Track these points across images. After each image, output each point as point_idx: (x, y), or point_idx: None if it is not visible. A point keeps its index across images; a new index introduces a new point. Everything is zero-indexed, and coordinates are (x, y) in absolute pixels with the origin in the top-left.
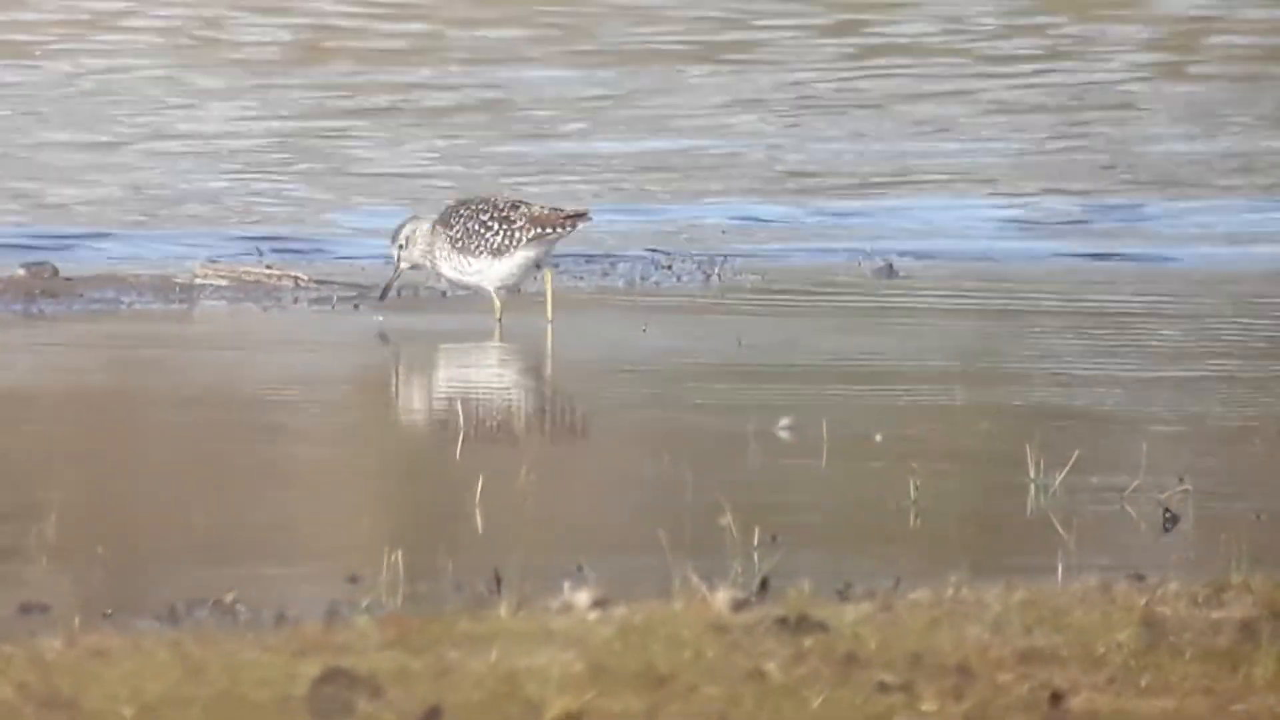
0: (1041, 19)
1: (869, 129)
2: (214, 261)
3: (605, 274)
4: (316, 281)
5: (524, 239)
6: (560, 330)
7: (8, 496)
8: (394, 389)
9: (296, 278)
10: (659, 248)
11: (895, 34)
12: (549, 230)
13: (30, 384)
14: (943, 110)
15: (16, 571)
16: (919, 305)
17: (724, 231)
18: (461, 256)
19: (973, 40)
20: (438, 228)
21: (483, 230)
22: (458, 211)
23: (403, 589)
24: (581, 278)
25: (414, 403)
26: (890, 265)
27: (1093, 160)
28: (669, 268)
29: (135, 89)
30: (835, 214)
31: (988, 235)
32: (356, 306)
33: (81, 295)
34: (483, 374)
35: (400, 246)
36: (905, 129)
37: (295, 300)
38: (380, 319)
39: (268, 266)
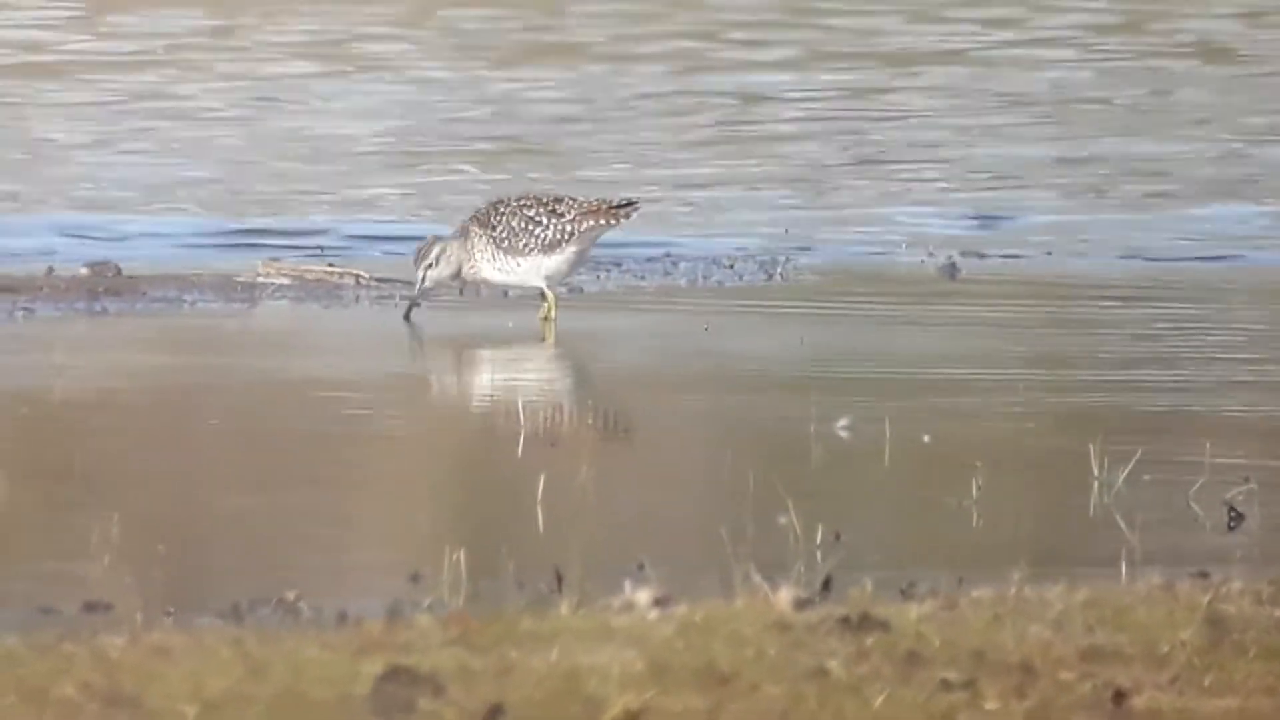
0: None
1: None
2: (276, 260)
3: (667, 273)
4: (378, 280)
5: (577, 231)
6: (621, 329)
7: (71, 495)
8: (455, 388)
9: (358, 276)
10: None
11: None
12: (602, 222)
13: (93, 383)
14: None
15: (80, 570)
16: (982, 304)
17: (786, 231)
18: (508, 256)
19: None
20: (474, 230)
21: (530, 226)
22: (496, 210)
23: (465, 587)
24: (643, 277)
25: (475, 401)
26: (953, 264)
27: None
28: (731, 267)
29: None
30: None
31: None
32: (418, 304)
33: (144, 294)
34: (543, 373)
35: (429, 266)
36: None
37: (357, 299)
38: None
39: (329, 265)
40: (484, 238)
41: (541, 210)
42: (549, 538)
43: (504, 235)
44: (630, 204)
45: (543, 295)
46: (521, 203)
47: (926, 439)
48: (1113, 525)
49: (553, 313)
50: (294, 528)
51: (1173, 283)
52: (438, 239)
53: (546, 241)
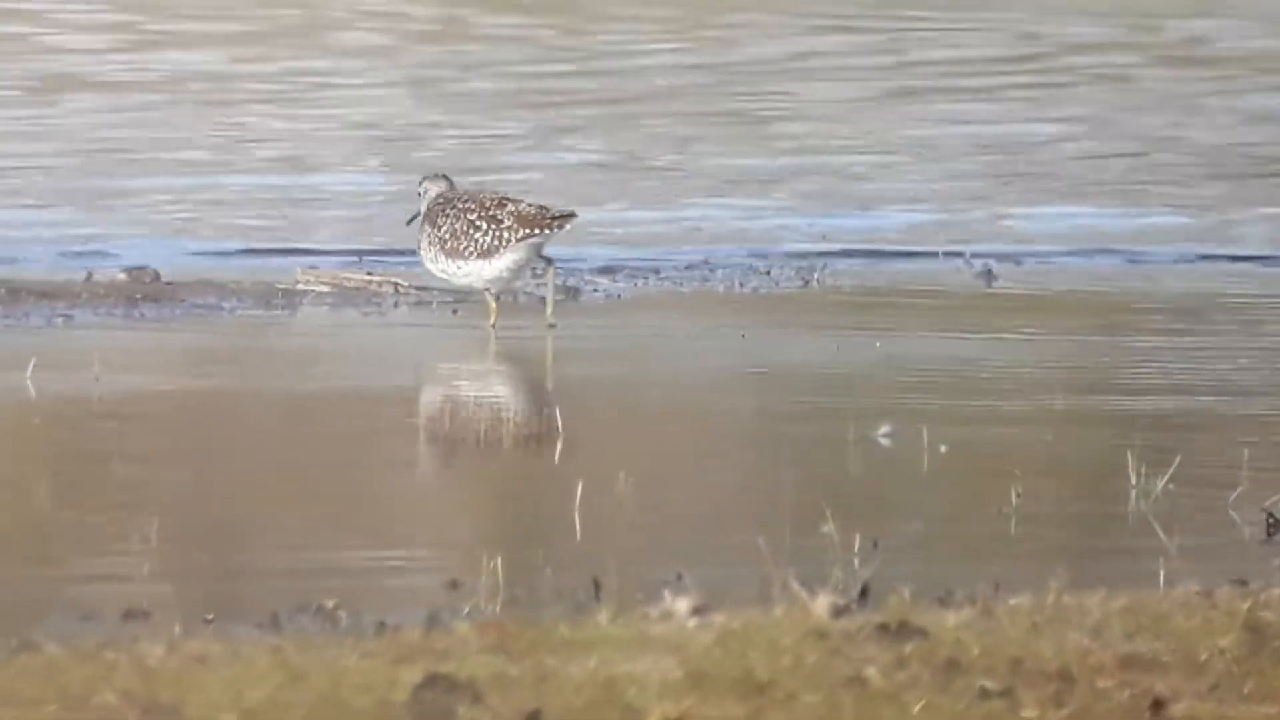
0: None
1: None
2: (315, 268)
3: (704, 279)
4: (416, 288)
5: (513, 240)
6: (658, 336)
7: (111, 502)
8: (492, 395)
9: (397, 283)
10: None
11: None
12: (536, 231)
13: (133, 390)
14: None
15: (120, 578)
16: (1019, 310)
17: (824, 236)
18: (449, 259)
19: None
20: (425, 226)
21: (470, 230)
22: (444, 211)
23: (503, 595)
24: (680, 283)
25: (512, 408)
26: (989, 271)
27: None
28: (768, 273)
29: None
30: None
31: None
32: (455, 311)
33: (183, 301)
34: (581, 380)
35: (418, 195)
36: None
37: (396, 306)
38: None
39: (368, 273)
40: (431, 236)
41: (482, 216)
42: (587, 546)
43: (446, 237)
44: (568, 215)
45: (487, 300)
46: (466, 205)
47: (943, 449)
48: (1151, 533)
49: (492, 320)
50: (332, 536)
51: (1213, 286)
52: (434, 177)
53: (484, 248)
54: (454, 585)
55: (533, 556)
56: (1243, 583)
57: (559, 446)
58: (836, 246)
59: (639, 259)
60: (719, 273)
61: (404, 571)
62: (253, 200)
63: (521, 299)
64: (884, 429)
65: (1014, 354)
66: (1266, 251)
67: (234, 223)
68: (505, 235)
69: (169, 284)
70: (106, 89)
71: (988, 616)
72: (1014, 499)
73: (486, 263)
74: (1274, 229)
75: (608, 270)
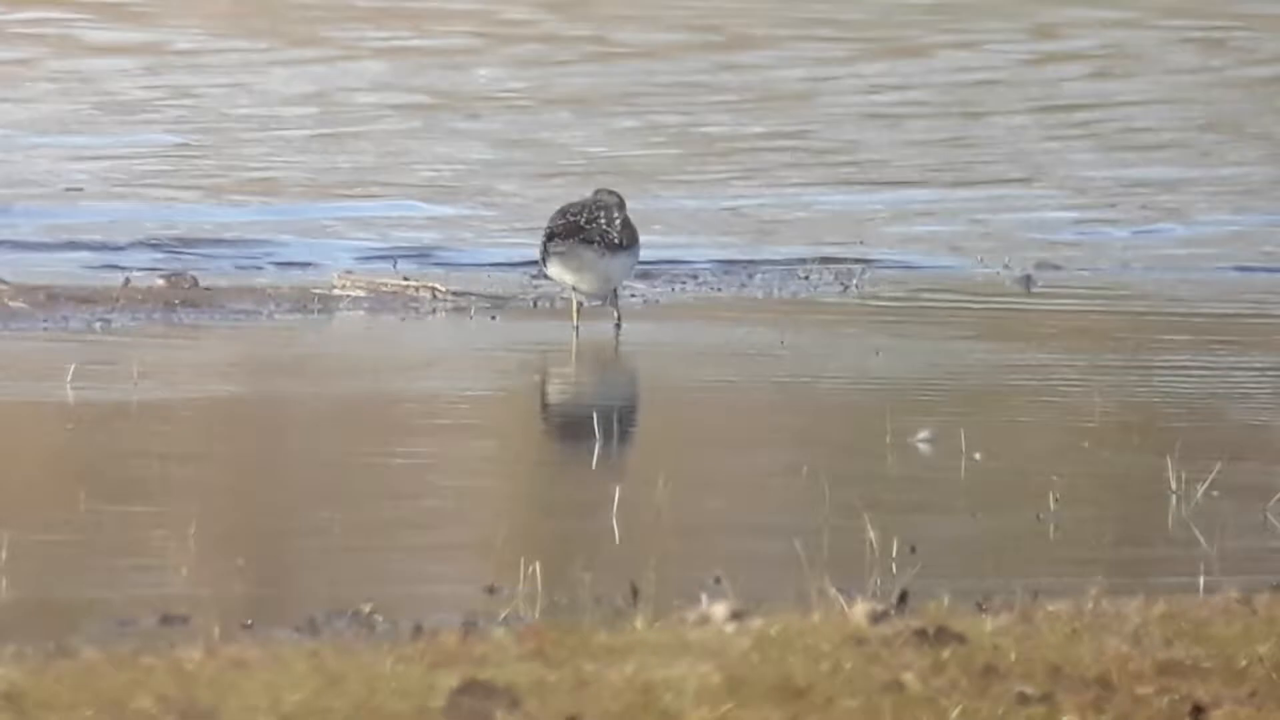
0: None
1: None
2: (351, 273)
3: (743, 285)
4: (454, 293)
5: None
6: (697, 341)
7: (150, 507)
8: (530, 399)
9: (434, 289)
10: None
11: None
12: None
13: (172, 395)
14: None
15: (157, 582)
16: (1059, 316)
17: (861, 242)
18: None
19: None
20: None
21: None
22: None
23: (540, 601)
24: (719, 289)
25: (550, 413)
26: (1029, 276)
27: None
28: (806, 278)
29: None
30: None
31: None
32: (493, 317)
33: (222, 306)
34: (617, 384)
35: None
36: None
37: (433, 311)
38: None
39: (405, 278)
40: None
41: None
42: (624, 551)
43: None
44: None
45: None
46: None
47: (977, 456)
48: (1190, 539)
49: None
50: (370, 540)
51: (1250, 293)
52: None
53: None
54: (492, 590)
55: (571, 562)
56: None
57: (597, 451)
58: (874, 253)
59: (676, 263)
60: (757, 277)
61: (441, 576)
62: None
63: (559, 303)
64: (923, 434)
65: (1053, 359)
66: None
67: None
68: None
69: (207, 289)
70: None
71: (1026, 622)
72: (1052, 504)
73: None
74: None
75: (645, 275)
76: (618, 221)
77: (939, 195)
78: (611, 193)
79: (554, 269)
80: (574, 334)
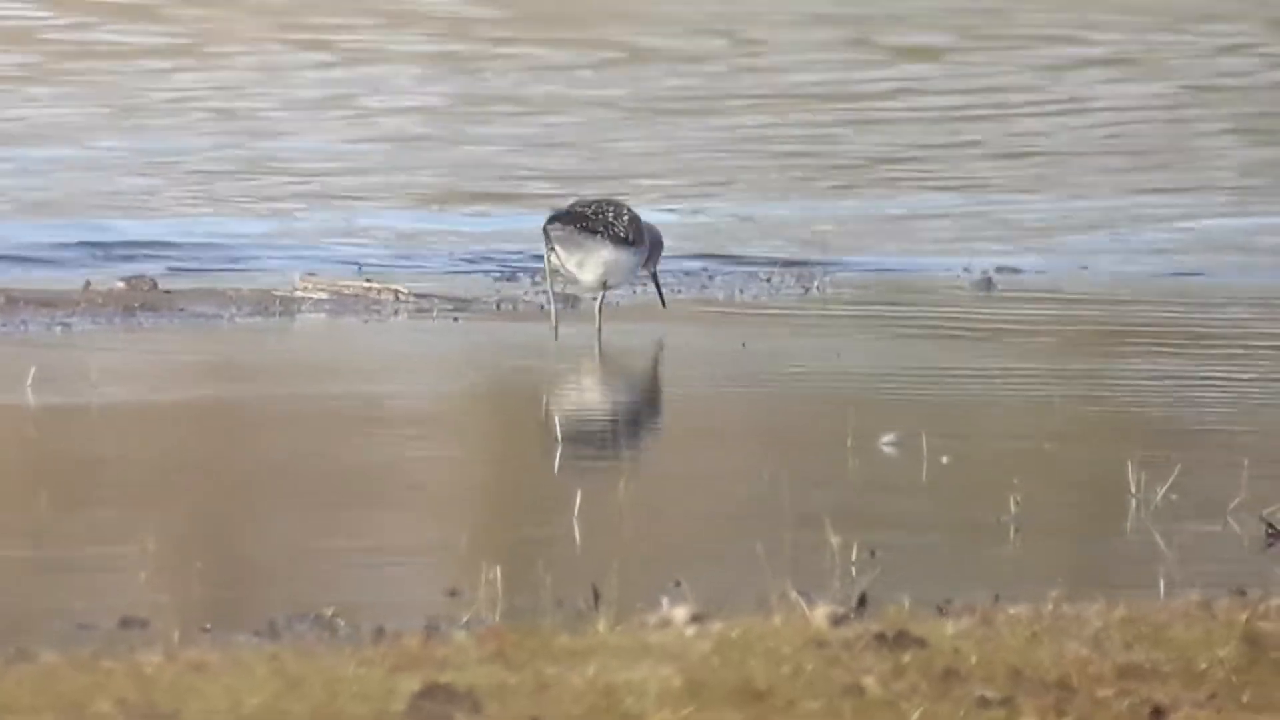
0: None
1: None
2: (314, 275)
3: (704, 286)
4: (416, 295)
5: None
6: (656, 345)
7: (109, 510)
8: (492, 403)
9: (397, 291)
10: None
11: None
12: None
13: (132, 398)
14: None
15: (117, 585)
16: (1019, 318)
17: (825, 245)
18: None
19: None
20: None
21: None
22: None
23: (501, 604)
24: (679, 291)
25: (512, 417)
26: (989, 279)
27: None
28: (768, 280)
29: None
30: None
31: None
32: (456, 319)
33: (182, 309)
34: (580, 388)
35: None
36: None
37: (396, 313)
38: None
39: (367, 280)
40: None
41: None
42: (585, 554)
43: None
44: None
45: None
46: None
47: (944, 460)
48: (1150, 542)
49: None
50: (331, 543)
51: (1208, 295)
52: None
53: None
54: (453, 593)
55: (532, 565)
56: (1242, 593)
57: (558, 454)
58: (837, 254)
59: None
60: (718, 279)
61: (403, 580)
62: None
63: (521, 306)
64: (889, 437)
65: (1013, 361)
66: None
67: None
68: None
69: (167, 292)
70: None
71: (986, 626)
72: (1013, 507)
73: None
74: None
75: None
76: (626, 218)
77: (906, 199)
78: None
79: (556, 257)
80: (554, 333)
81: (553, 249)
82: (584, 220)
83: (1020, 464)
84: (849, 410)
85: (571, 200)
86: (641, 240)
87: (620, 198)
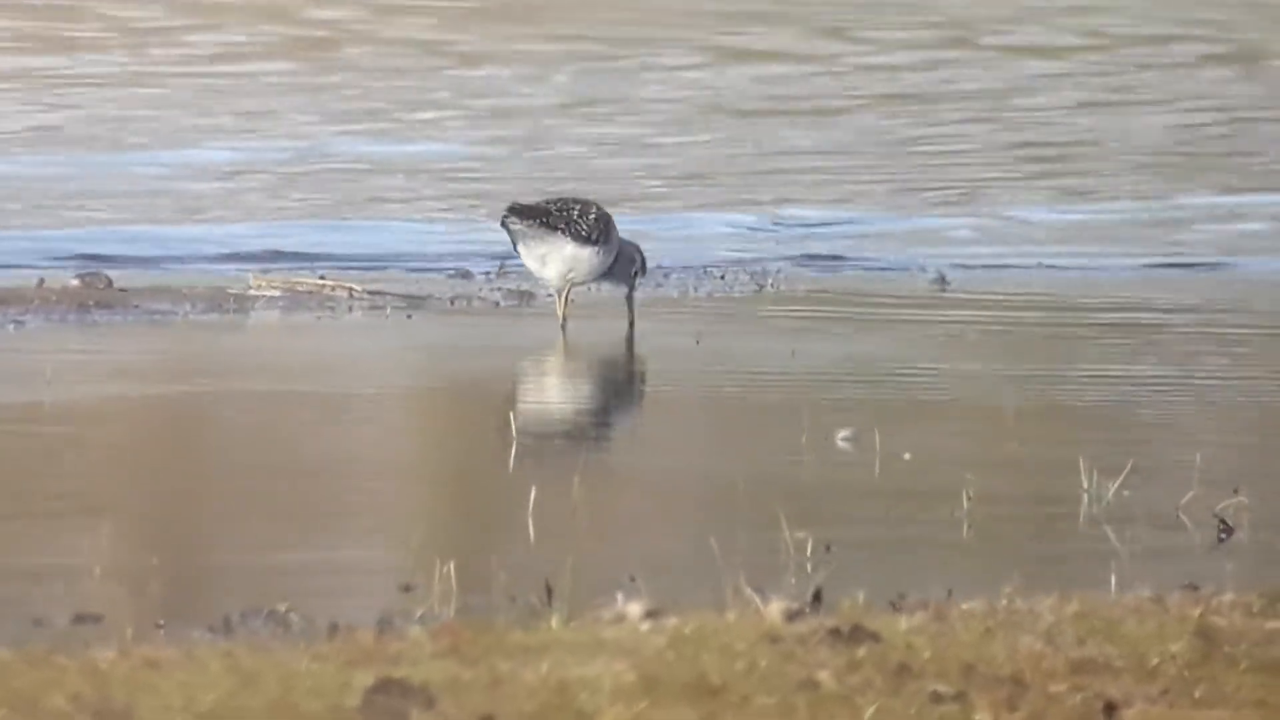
0: None
1: None
2: (268, 272)
3: (658, 285)
4: (370, 292)
5: None
6: (613, 341)
7: (62, 506)
8: (447, 399)
9: (350, 288)
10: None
11: None
12: None
13: (86, 395)
14: None
15: (71, 582)
16: (973, 315)
17: (778, 243)
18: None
19: None
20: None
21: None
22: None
23: (456, 599)
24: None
25: (467, 413)
26: (943, 276)
27: None
28: (722, 278)
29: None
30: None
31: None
32: (409, 316)
33: (136, 306)
34: (536, 384)
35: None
36: None
37: (350, 310)
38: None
39: (321, 277)
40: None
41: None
42: (540, 550)
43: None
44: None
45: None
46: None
47: (907, 457)
48: (1103, 537)
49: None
50: (285, 539)
51: (1163, 292)
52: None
53: None
54: (407, 589)
55: (486, 560)
56: (1194, 588)
57: (513, 450)
58: (790, 251)
59: None
60: (673, 277)
61: (357, 575)
62: None
63: (475, 303)
64: (844, 433)
65: (967, 358)
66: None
67: None
68: None
69: (122, 290)
70: None
71: (940, 621)
72: (966, 503)
73: None
74: None
75: None
76: (591, 216)
77: (859, 199)
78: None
79: (521, 253)
80: (561, 331)
81: (515, 248)
82: (545, 215)
83: (974, 459)
84: (803, 406)
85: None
86: (608, 240)
87: (592, 199)
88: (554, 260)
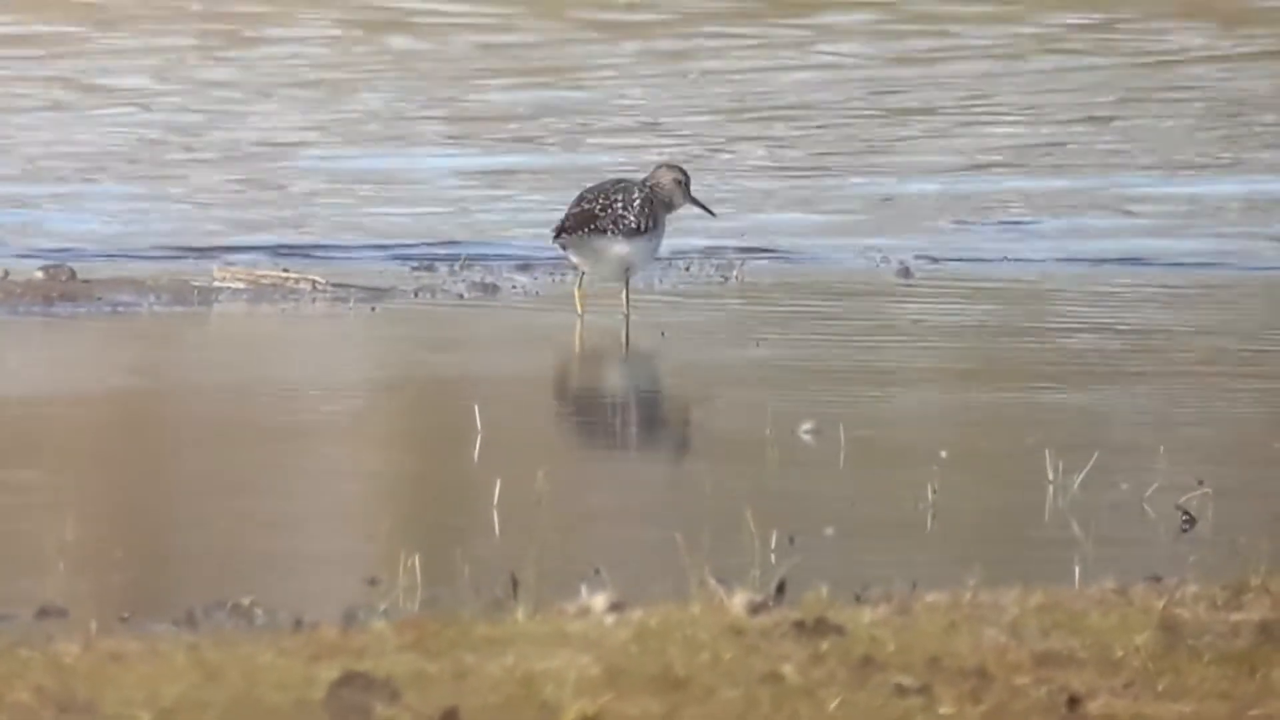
0: None
1: None
2: (231, 264)
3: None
4: (334, 284)
5: None
6: (577, 333)
7: (26, 500)
8: (411, 392)
9: (314, 281)
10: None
11: None
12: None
13: (49, 388)
14: None
15: (35, 575)
16: (937, 307)
17: (743, 234)
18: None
19: None
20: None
21: None
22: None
23: (420, 592)
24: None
25: (431, 406)
26: (907, 268)
27: None
28: (687, 269)
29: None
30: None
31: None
32: (373, 309)
33: (99, 298)
34: (501, 377)
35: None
36: None
37: (313, 302)
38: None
39: (284, 270)
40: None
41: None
42: (505, 543)
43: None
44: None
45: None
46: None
47: (870, 447)
48: (1067, 529)
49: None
50: (249, 533)
51: (1128, 285)
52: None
53: None
54: (372, 582)
55: (451, 554)
56: (1158, 580)
57: (478, 443)
58: (755, 242)
59: (556, 256)
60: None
61: (321, 568)
62: None
63: (439, 295)
64: (807, 425)
65: (932, 348)
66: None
67: None
68: None
69: (85, 282)
70: None
71: (904, 614)
72: (930, 495)
73: None
74: None
75: (525, 267)
76: (636, 203)
77: (827, 185)
78: (673, 166)
79: (575, 261)
80: (579, 322)
81: (567, 258)
82: (591, 221)
83: (938, 450)
84: (768, 397)
85: (580, 192)
86: (656, 224)
87: (624, 178)
88: (608, 260)
